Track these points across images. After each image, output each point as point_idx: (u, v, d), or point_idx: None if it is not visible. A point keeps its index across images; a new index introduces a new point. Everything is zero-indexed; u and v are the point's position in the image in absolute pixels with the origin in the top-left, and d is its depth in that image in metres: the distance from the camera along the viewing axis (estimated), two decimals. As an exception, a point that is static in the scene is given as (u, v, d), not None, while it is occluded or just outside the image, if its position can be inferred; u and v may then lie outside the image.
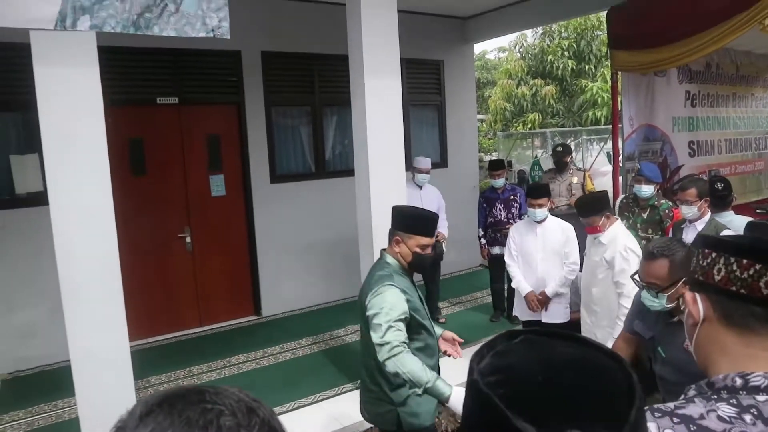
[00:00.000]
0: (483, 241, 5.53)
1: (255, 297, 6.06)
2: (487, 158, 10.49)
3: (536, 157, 13.54)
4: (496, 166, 5.52)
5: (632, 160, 5.38)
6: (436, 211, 5.38)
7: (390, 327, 2.26)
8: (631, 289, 2.99)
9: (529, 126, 16.84)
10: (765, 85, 6.99)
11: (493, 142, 19.05)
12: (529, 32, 17.03)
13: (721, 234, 2.76)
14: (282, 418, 0.60)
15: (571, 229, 4.08)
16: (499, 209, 5.42)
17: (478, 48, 13.48)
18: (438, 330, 2.66)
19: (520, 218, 5.21)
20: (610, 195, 5.51)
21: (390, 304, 2.31)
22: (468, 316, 5.85)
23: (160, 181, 5.41)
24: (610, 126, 6.48)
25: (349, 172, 5.61)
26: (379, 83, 3.69)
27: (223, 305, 5.87)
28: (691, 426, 0.87)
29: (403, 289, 2.39)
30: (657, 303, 2.10)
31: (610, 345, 2.93)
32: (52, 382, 4.48)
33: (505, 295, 5.51)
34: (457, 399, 2.16)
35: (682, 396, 0.99)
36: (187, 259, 5.63)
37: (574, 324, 3.78)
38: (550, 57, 16.52)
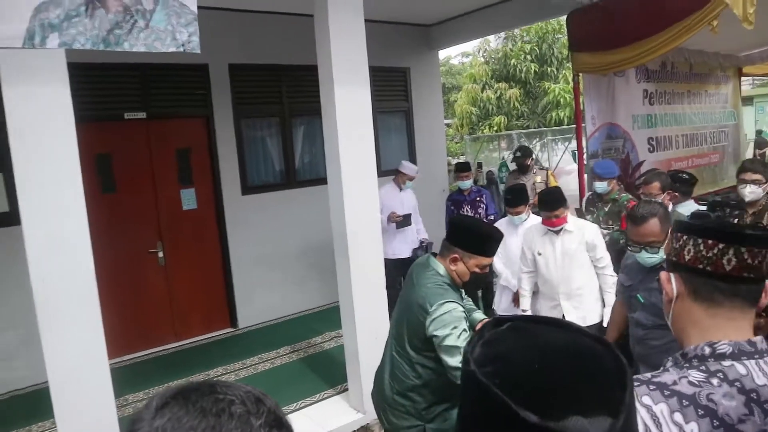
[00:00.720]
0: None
1: (230, 309, 6.02)
2: (455, 161, 10.64)
3: (503, 158, 13.80)
4: (463, 168, 5.71)
5: (596, 158, 5.54)
6: (412, 212, 5.50)
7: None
8: (608, 259, 3.55)
9: (495, 129, 17.13)
10: (717, 82, 7.28)
11: (460, 146, 19.31)
12: (492, 37, 17.35)
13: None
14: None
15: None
16: (466, 211, 5.55)
17: (443, 54, 13.65)
18: None
19: (487, 218, 5.35)
20: (577, 193, 5.70)
21: (456, 320, 2.20)
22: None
23: (130, 196, 5.34)
24: (574, 126, 6.66)
25: (320, 180, 5.65)
26: (350, 92, 3.73)
27: (199, 319, 5.82)
28: (665, 391, 0.97)
29: (458, 303, 2.29)
30: (657, 257, 2.41)
31: (607, 313, 3.33)
32: (25, 406, 4.38)
33: (479, 295, 5.60)
34: None
35: (661, 368, 1.08)
36: (161, 274, 5.57)
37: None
38: (513, 61, 16.85)
